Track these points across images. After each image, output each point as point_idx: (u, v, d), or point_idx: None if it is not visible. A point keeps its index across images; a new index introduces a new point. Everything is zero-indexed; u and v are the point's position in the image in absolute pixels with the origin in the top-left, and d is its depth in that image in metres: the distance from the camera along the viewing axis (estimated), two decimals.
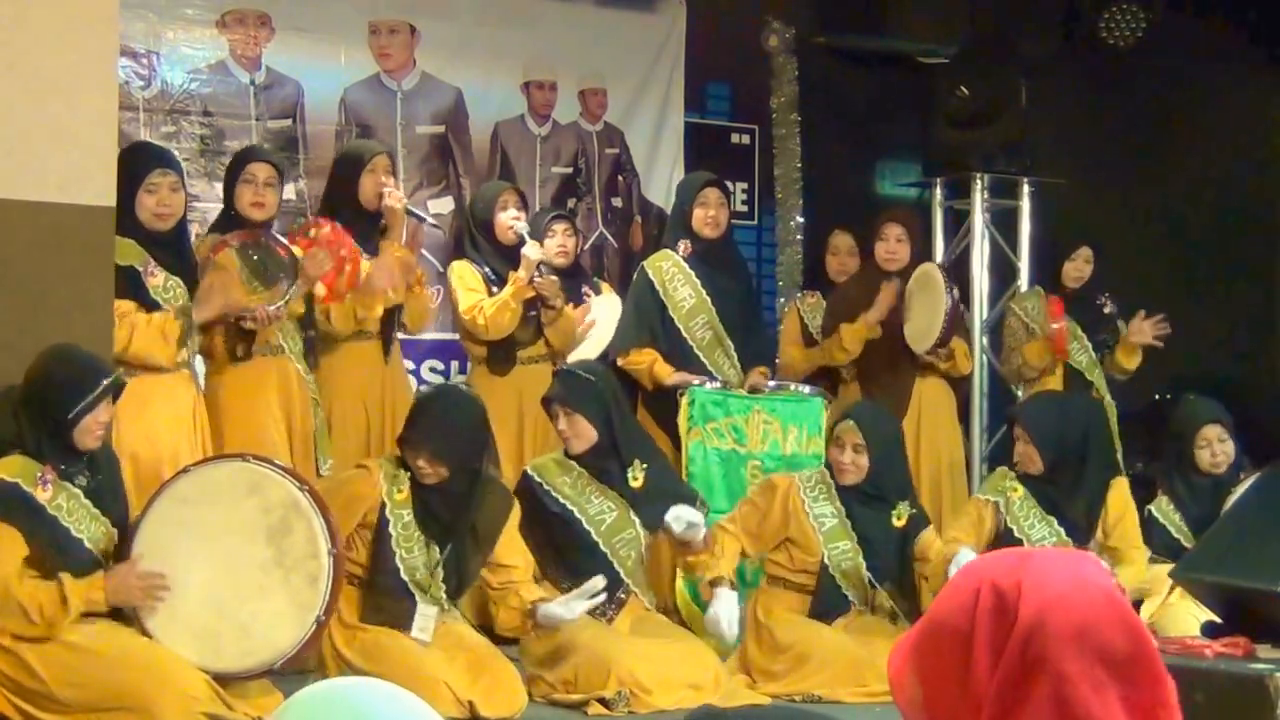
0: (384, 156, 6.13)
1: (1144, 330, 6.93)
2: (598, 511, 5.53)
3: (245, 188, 5.61)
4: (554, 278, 6.32)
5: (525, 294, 6.24)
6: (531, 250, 6.25)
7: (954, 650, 1.43)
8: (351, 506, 5.08)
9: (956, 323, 6.73)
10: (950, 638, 1.44)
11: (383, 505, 5.12)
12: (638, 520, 5.59)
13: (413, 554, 5.12)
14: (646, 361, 6.42)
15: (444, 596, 5.18)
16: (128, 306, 5.12)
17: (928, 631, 1.50)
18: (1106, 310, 7.01)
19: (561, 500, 5.53)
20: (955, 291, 6.68)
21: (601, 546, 5.52)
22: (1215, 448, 6.22)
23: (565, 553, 5.52)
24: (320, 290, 5.70)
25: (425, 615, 5.11)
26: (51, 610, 4.41)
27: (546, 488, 5.54)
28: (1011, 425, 6.17)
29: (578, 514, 5.52)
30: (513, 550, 5.28)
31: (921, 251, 7.03)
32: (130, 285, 5.13)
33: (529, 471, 5.60)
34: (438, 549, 5.14)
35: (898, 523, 5.83)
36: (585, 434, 5.55)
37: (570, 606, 5.21)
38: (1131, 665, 1.42)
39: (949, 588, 1.51)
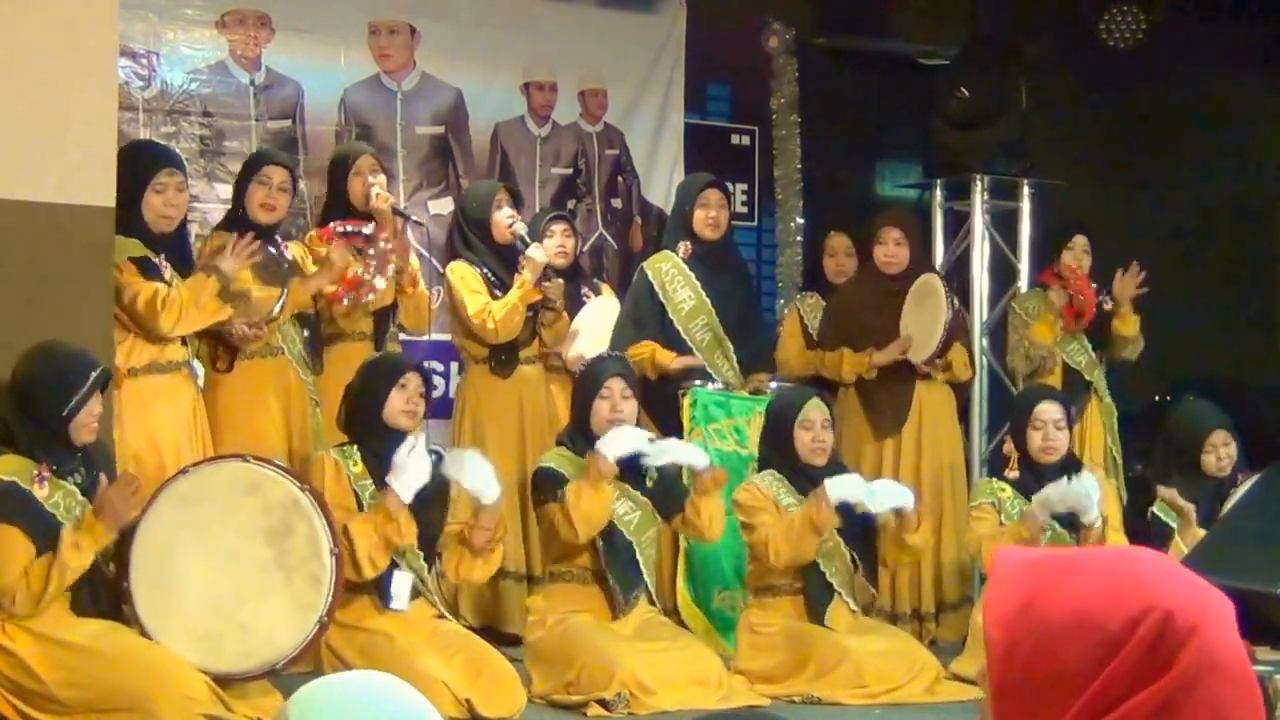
0: (368, 157, 6.13)
1: (1127, 284, 6.90)
2: (624, 512, 5.53)
3: (258, 188, 5.62)
4: (560, 281, 6.32)
5: (533, 297, 6.24)
6: (536, 253, 6.25)
7: (1090, 644, 1.36)
8: (342, 500, 5.09)
9: (956, 336, 6.72)
10: (1092, 631, 1.36)
11: (349, 481, 5.15)
12: (659, 518, 5.61)
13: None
14: (647, 351, 6.40)
15: (423, 564, 5.20)
16: (157, 288, 5.13)
17: (1063, 599, 1.39)
18: (1107, 308, 6.99)
19: None
20: (957, 302, 6.67)
21: (634, 545, 5.52)
22: (1221, 452, 6.20)
23: (593, 552, 5.49)
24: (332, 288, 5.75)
25: (400, 582, 5.12)
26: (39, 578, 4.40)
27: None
28: (1031, 410, 6.08)
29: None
30: (462, 507, 5.35)
31: (921, 253, 7.02)
32: (151, 272, 5.16)
33: (551, 467, 5.55)
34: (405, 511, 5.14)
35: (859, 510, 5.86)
36: (633, 418, 5.61)
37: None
38: None
39: (1110, 576, 1.39)
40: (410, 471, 5.00)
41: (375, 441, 5.22)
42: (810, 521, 5.53)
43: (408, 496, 5.01)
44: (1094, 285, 6.91)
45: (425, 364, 7.06)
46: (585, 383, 5.70)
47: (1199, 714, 1.35)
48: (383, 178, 6.11)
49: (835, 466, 5.88)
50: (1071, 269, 6.89)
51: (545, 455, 5.70)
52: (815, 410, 5.81)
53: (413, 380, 5.28)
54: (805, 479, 5.76)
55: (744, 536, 5.75)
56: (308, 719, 1.44)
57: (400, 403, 5.23)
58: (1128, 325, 6.95)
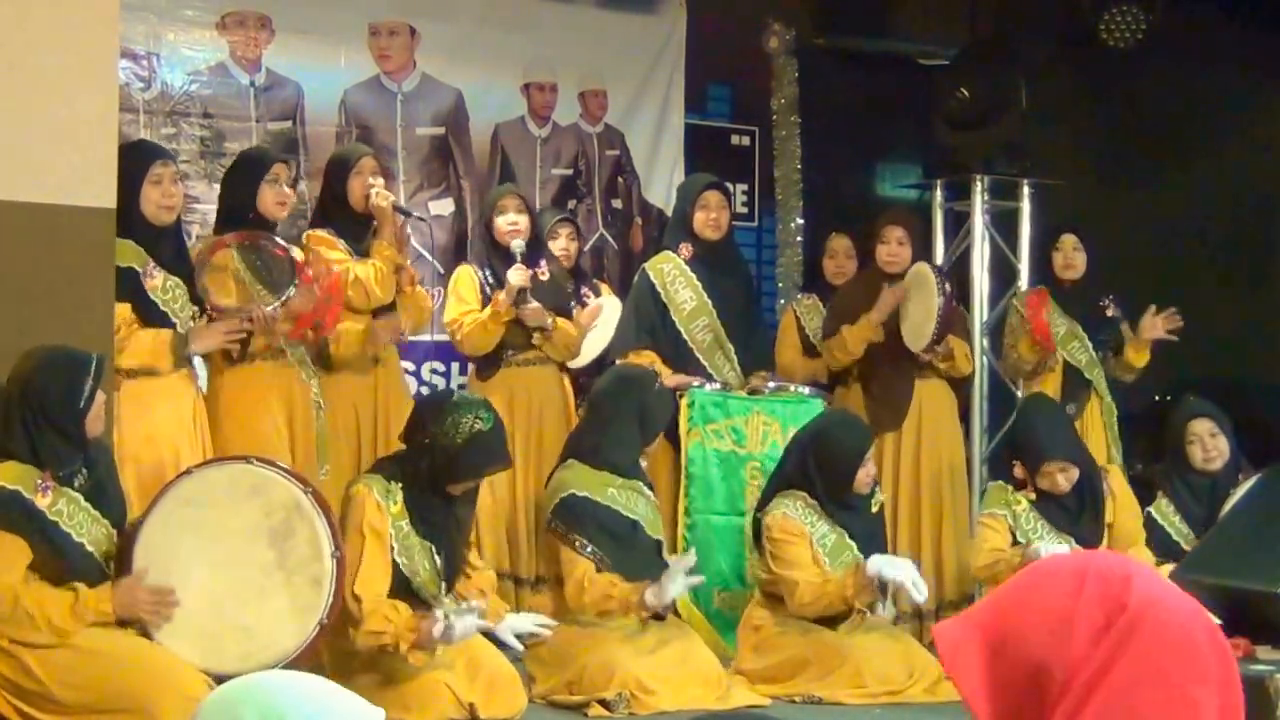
0: (370, 158, 6.12)
1: (1156, 325, 6.82)
2: (646, 512, 5.60)
3: (270, 188, 5.59)
4: (537, 305, 6.23)
5: (505, 317, 6.22)
6: (514, 276, 6.19)
7: (1048, 630, 1.44)
8: (380, 538, 5.00)
9: (953, 321, 6.70)
10: (1046, 617, 1.44)
11: (389, 520, 5.04)
12: (661, 519, 5.65)
13: (413, 561, 5.04)
14: (646, 363, 6.41)
15: (444, 599, 5.16)
16: (125, 314, 5.12)
17: (1010, 612, 1.48)
18: (1110, 313, 6.96)
19: (616, 509, 5.53)
20: (949, 288, 6.67)
21: (661, 544, 5.60)
22: (1206, 442, 6.16)
23: (627, 558, 5.50)
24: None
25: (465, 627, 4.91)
26: (61, 619, 4.41)
27: (604, 503, 5.53)
28: (1036, 466, 5.94)
29: (636, 519, 5.58)
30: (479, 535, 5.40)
31: (921, 253, 7.02)
32: (129, 287, 5.13)
33: (579, 494, 5.53)
34: (432, 549, 5.08)
35: (875, 509, 5.92)
36: None
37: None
38: (1215, 669, 1.46)
39: (1041, 575, 1.50)
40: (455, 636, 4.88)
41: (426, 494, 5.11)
42: (844, 596, 5.58)
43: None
44: (1049, 319, 6.87)
45: (426, 364, 7.11)
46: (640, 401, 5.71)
47: (1161, 644, 1.43)
48: (382, 179, 6.11)
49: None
50: (1032, 307, 6.86)
51: (565, 475, 5.63)
52: (872, 447, 5.89)
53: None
54: (843, 506, 5.79)
55: (771, 566, 5.73)
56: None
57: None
58: (1140, 358, 6.91)
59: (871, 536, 5.79)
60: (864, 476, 5.79)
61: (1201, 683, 1.44)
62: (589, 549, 5.43)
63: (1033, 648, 1.43)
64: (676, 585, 5.36)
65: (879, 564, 5.51)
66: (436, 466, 5.04)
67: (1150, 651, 1.42)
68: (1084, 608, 1.43)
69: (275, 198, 5.59)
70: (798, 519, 5.73)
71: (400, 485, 5.05)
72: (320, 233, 6.00)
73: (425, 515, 5.07)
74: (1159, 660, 1.42)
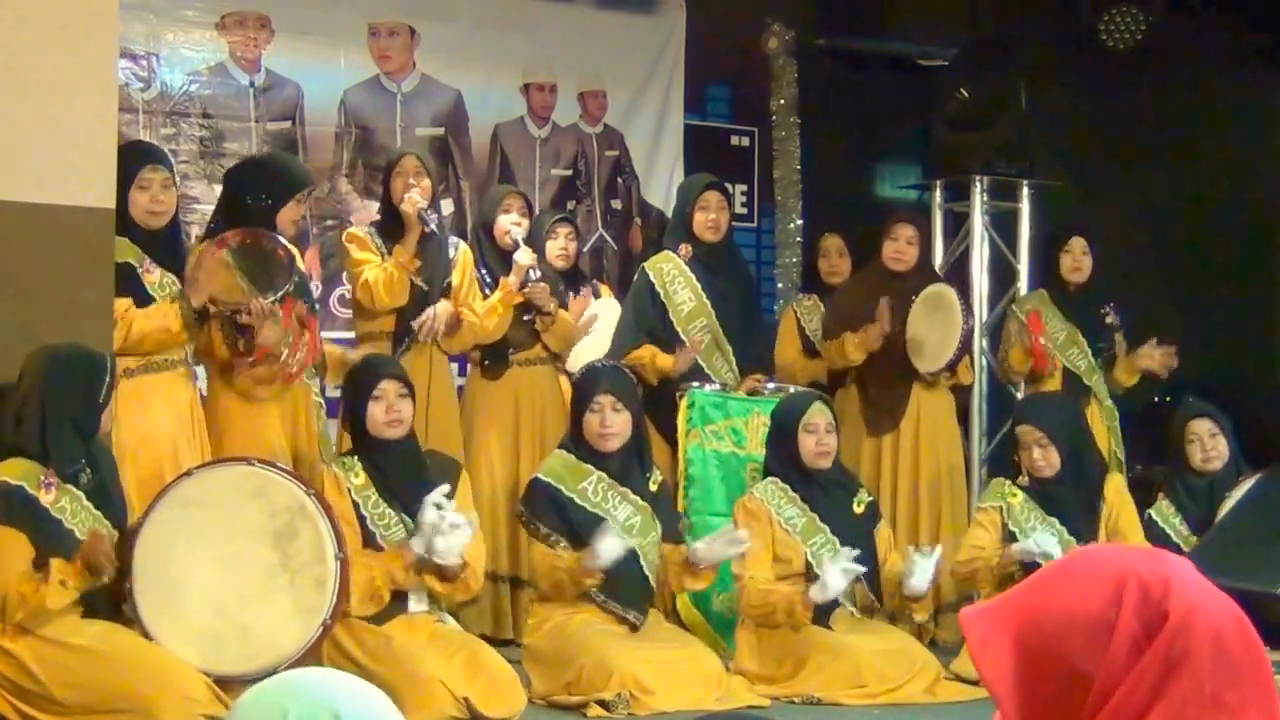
0: (411, 158, 6.09)
1: (1154, 357, 6.89)
2: (626, 517, 5.52)
3: (295, 206, 5.60)
4: (544, 285, 6.26)
5: (514, 299, 6.22)
6: (522, 256, 6.22)
7: (1086, 638, 1.41)
8: (343, 514, 5.06)
9: (970, 348, 6.72)
10: (1084, 626, 1.41)
11: (349, 492, 5.14)
12: (659, 524, 5.60)
13: (390, 531, 5.12)
14: (646, 356, 6.40)
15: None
16: (124, 304, 5.11)
17: (1045, 613, 1.45)
18: (1108, 320, 6.98)
19: (590, 509, 5.48)
20: (972, 320, 6.67)
21: (637, 550, 5.52)
22: (1206, 443, 6.17)
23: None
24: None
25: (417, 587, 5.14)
26: (49, 597, 4.41)
27: (570, 495, 5.51)
28: (1014, 432, 6.09)
29: (605, 519, 5.50)
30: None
31: (922, 254, 7.02)
32: (127, 281, 5.13)
33: (544, 479, 5.54)
34: (405, 521, 5.13)
35: (858, 509, 5.88)
36: (625, 431, 5.58)
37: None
38: (1254, 676, 1.44)
39: (1076, 576, 1.46)
40: (438, 545, 4.97)
41: (370, 453, 5.21)
42: (788, 613, 5.57)
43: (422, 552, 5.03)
44: (1046, 343, 6.85)
45: None
46: (576, 394, 5.71)
47: (1203, 652, 1.40)
48: (426, 182, 6.00)
49: (837, 472, 5.89)
50: (1036, 328, 6.85)
51: (546, 462, 5.69)
52: (819, 414, 5.82)
53: (389, 389, 5.23)
54: (809, 484, 5.77)
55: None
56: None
57: (380, 414, 5.20)
58: (1129, 378, 6.97)
59: (852, 535, 5.76)
60: (810, 443, 5.76)
61: (1249, 695, 1.41)
62: (550, 536, 5.42)
63: (1069, 653, 1.41)
64: (610, 543, 5.28)
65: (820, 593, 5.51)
66: (354, 412, 5.26)
67: (1200, 677, 1.38)
68: (1124, 618, 1.40)
69: (291, 215, 5.60)
70: (761, 499, 5.75)
71: (356, 458, 5.19)
72: (358, 230, 6.16)
73: (394, 489, 5.15)
74: (1210, 684, 1.39)
